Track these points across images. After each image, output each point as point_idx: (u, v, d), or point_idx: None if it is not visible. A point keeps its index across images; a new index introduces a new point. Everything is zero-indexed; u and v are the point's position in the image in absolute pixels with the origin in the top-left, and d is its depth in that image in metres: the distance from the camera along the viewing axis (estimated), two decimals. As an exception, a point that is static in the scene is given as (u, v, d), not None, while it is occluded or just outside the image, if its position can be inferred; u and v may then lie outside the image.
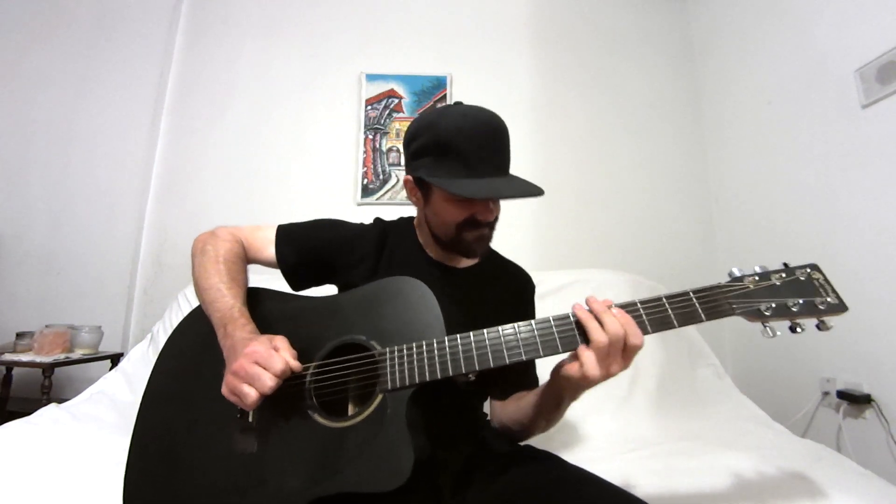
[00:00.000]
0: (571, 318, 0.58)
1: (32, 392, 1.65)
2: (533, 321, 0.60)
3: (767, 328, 0.57)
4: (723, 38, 2.10)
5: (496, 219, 0.76)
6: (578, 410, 1.06)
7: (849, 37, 1.44)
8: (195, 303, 0.78)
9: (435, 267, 0.82)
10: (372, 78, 2.18)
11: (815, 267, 0.59)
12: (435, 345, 0.60)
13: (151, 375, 0.73)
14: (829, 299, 0.56)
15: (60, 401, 1.18)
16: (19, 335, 1.73)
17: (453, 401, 0.76)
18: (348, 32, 2.24)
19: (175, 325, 0.83)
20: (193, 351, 0.72)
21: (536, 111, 2.19)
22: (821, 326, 0.56)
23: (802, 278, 0.58)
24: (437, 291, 0.66)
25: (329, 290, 0.81)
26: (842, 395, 1.40)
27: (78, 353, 1.72)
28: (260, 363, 0.57)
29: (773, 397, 1.61)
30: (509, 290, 0.86)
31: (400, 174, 2.10)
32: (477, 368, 0.58)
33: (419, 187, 0.77)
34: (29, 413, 1.05)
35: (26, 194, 2.06)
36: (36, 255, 2.02)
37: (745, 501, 0.78)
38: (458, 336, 0.60)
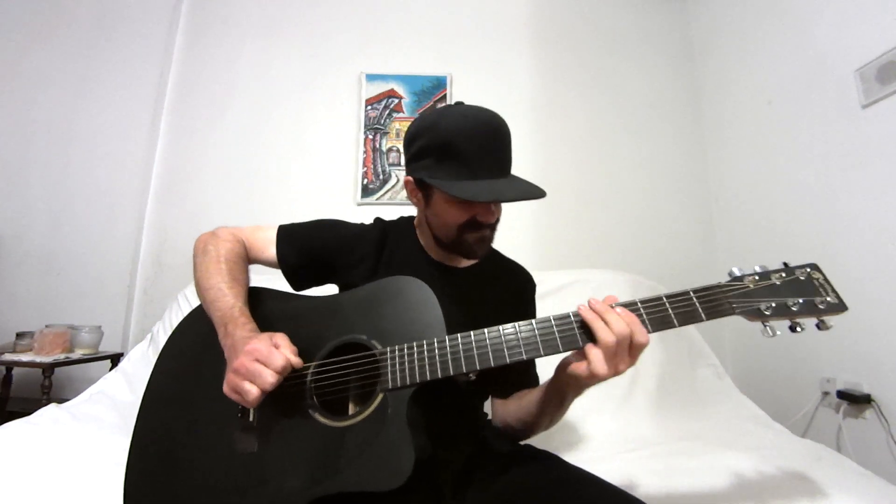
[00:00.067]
0: (572, 318, 0.58)
1: (32, 392, 1.65)
2: (533, 321, 0.60)
3: (767, 328, 0.57)
4: (723, 38, 2.10)
5: (497, 220, 0.76)
6: (578, 410, 1.06)
7: (849, 37, 1.44)
8: (195, 303, 0.78)
9: (435, 267, 0.82)
10: (372, 78, 2.18)
11: (814, 267, 0.59)
12: (435, 344, 0.61)
13: (151, 376, 0.73)
14: (828, 299, 0.56)
15: (60, 401, 1.18)
16: (19, 335, 1.73)
17: (454, 400, 0.76)
18: (348, 32, 2.24)
19: (175, 325, 0.83)
20: (193, 351, 0.72)
21: (536, 111, 2.19)
22: (821, 326, 0.56)
23: (802, 278, 0.58)
24: (437, 291, 0.66)
25: (330, 289, 0.81)
26: (842, 395, 1.40)
27: (78, 353, 1.71)
28: (261, 360, 0.57)
29: (773, 397, 1.61)
30: (510, 290, 0.86)
31: (400, 174, 2.10)
32: (477, 368, 0.58)
33: (420, 188, 0.77)
34: (29, 413, 1.05)
35: (26, 194, 2.06)
36: (36, 255, 2.02)
37: (745, 501, 0.78)
38: (458, 335, 0.60)
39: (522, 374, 0.80)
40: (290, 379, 0.62)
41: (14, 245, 2.02)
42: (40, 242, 2.03)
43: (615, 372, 0.55)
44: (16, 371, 1.68)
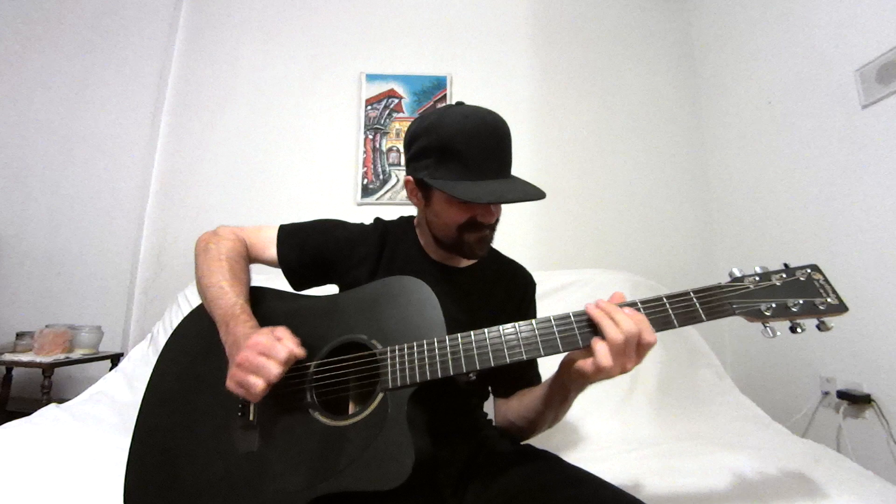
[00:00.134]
0: (573, 318, 0.58)
1: (32, 392, 1.66)
2: (534, 320, 0.60)
3: (768, 328, 0.57)
4: (723, 38, 2.10)
5: (497, 220, 0.76)
6: (578, 411, 1.06)
7: (849, 37, 1.44)
8: (195, 303, 0.78)
9: (435, 267, 0.82)
10: (372, 78, 2.18)
11: (815, 267, 0.59)
12: (436, 344, 0.61)
13: (151, 375, 0.73)
14: (829, 300, 0.56)
15: (60, 401, 1.18)
16: (19, 335, 1.73)
17: (454, 400, 0.76)
18: (348, 32, 2.24)
19: (175, 325, 0.83)
20: (194, 351, 0.72)
21: (536, 111, 2.19)
22: (821, 327, 0.56)
23: (803, 279, 0.58)
24: (437, 291, 0.66)
25: (330, 289, 0.81)
26: (842, 395, 1.40)
27: (78, 353, 1.72)
28: (264, 352, 0.57)
29: (773, 397, 1.62)
30: (510, 290, 0.86)
31: (400, 174, 2.10)
32: (478, 368, 0.58)
33: (420, 188, 0.77)
34: (29, 413, 1.05)
35: (26, 194, 2.06)
36: (36, 255, 2.03)
37: (745, 501, 0.78)
38: (458, 335, 0.60)
39: (524, 373, 0.80)
40: (291, 378, 0.62)
41: (14, 245, 2.02)
42: (40, 242, 2.03)
43: (622, 370, 0.55)
44: (16, 371, 1.68)
